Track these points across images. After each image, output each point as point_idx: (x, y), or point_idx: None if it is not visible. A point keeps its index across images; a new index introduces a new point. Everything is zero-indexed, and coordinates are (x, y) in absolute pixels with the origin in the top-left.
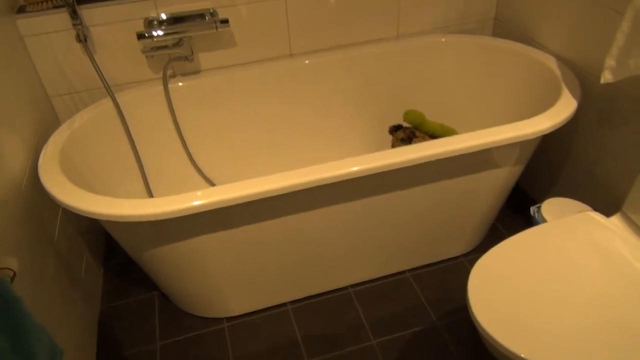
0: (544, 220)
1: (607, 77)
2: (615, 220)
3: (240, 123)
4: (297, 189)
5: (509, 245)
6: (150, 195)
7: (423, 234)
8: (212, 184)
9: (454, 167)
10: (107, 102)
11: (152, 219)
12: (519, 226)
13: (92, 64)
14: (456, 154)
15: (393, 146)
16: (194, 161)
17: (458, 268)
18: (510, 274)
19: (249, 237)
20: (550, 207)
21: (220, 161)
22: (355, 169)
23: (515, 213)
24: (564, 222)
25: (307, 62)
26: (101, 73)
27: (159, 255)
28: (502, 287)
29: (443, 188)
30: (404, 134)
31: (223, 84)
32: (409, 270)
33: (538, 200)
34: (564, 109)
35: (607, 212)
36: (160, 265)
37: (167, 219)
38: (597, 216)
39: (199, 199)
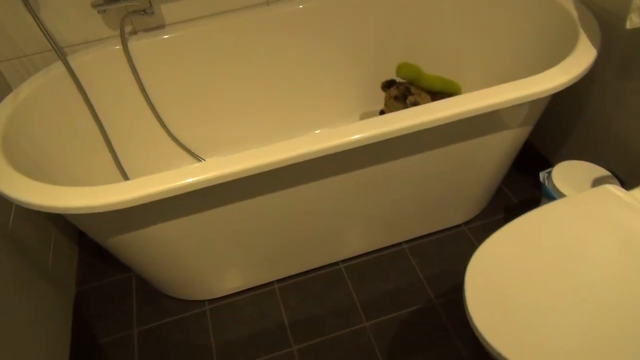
0: (555, 188)
1: (634, 20)
2: (639, 195)
3: (215, 82)
4: (302, 159)
5: (512, 231)
6: (122, 170)
7: (420, 203)
8: (190, 152)
9: (456, 131)
10: (58, 67)
11: (126, 206)
12: (526, 188)
13: (36, 21)
14: (461, 118)
15: (386, 104)
16: (167, 128)
17: (459, 238)
18: (514, 265)
19: (232, 215)
20: (562, 173)
21: (196, 126)
22: (356, 137)
23: (522, 172)
24: (576, 199)
25: (287, 10)
26: (46, 32)
27: (129, 243)
28: (504, 284)
29: (443, 154)
30: (397, 91)
31: (192, 39)
32: (405, 242)
33: (548, 157)
34: (581, 58)
35: (629, 175)
36: (131, 252)
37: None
38: (617, 190)
39: (180, 178)
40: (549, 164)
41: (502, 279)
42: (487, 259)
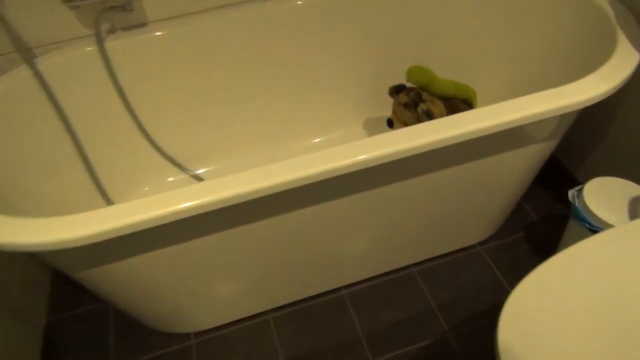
0: (586, 208)
1: None
2: None
3: (204, 87)
4: (310, 182)
5: (551, 273)
6: (100, 187)
7: (431, 223)
8: (177, 165)
9: (475, 147)
10: (23, 71)
11: (102, 238)
12: (547, 203)
13: None
14: (487, 133)
15: (394, 111)
16: (150, 138)
17: (474, 259)
18: (553, 314)
19: (223, 241)
20: (594, 192)
21: (183, 136)
22: (362, 157)
23: (543, 186)
24: (626, 233)
25: (284, 6)
26: (9, 30)
27: (103, 276)
28: (546, 341)
29: (457, 171)
30: (407, 98)
31: (177, 39)
32: (415, 265)
33: (572, 170)
34: (622, 63)
35: None
36: (106, 286)
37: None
38: None
39: (168, 205)
40: (573, 178)
41: (543, 333)
42: (523, 309)
